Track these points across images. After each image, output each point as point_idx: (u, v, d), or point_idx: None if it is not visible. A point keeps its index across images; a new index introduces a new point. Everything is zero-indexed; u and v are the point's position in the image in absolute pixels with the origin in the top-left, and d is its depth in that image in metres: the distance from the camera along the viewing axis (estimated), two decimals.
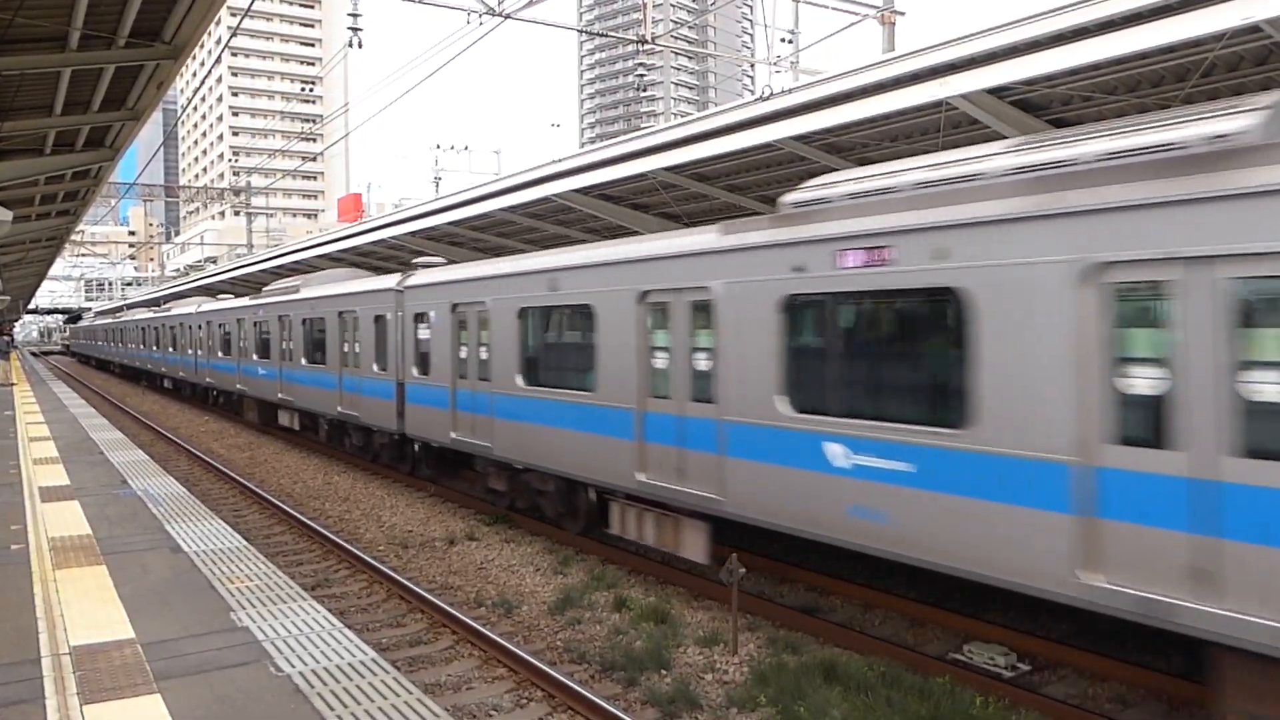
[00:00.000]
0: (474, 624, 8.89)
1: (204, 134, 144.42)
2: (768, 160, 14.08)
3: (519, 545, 12.44)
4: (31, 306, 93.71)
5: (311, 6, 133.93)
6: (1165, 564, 5.89)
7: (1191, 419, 5.79)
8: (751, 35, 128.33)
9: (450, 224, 21.16)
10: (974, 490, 6.96)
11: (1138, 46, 8.47)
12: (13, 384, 32.51)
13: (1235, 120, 5.97)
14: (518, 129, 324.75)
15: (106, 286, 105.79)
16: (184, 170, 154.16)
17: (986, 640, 8.33)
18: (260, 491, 16.21)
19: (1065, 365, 6.41)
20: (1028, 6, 9.56)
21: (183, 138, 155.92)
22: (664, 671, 7.99)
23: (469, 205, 20.26)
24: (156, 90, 12.32)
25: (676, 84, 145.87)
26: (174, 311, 36.66)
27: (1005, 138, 11.12)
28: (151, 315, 42.59)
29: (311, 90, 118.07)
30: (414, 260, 17.93)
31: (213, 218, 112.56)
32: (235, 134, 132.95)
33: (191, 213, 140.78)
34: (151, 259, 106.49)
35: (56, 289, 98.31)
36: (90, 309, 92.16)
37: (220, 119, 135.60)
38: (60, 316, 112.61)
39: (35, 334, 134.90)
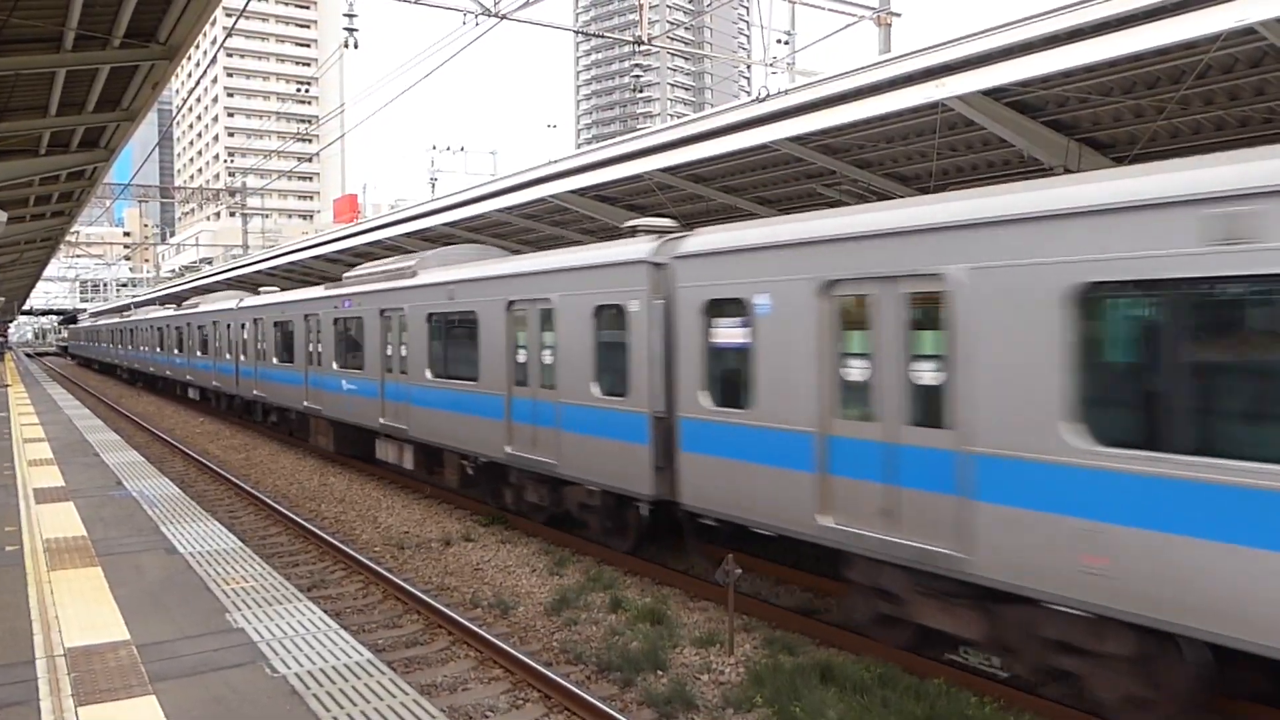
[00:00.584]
0: (470, 625, 8.89)
1: (199, 134, 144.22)
2: (764, 161, 14.09)
3: (515, 546, 12.43)
4: (26, 307, 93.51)
5: (307, 7, 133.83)
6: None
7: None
8: (748, 36, 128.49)
9: (446, 225, 21.15)
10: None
11: (1133, 48, 8.48)
12: (7, 385, 32.43)
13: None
14: (514, 130, 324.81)
15: (101, 287, 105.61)
16: (179, 171, 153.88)
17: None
18: (256, 493, 16.19)
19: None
20: (1024, 8, 9.60)
21: (178, 138, 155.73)
22: (660, 672, 7.99)
23: (465, 206, 20.25)
24: (152, 91, 12.29)
25: (673, 85, 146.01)
26: (204, 308, 30.67)
27: (1002, 138, 11.15)
28: (172, 314, 36.33)
29: (307, 91, 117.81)
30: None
31: (208, 219, 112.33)
32: (231, 134, 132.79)
33: (187, 214, 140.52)
34: (146, 260, 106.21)
35: (51, 290, 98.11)
36: (86, 309, 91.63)
37: (215, 119, 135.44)
38: (55, 317, 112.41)
39: (30, 335, 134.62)
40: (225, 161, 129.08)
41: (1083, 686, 6.77)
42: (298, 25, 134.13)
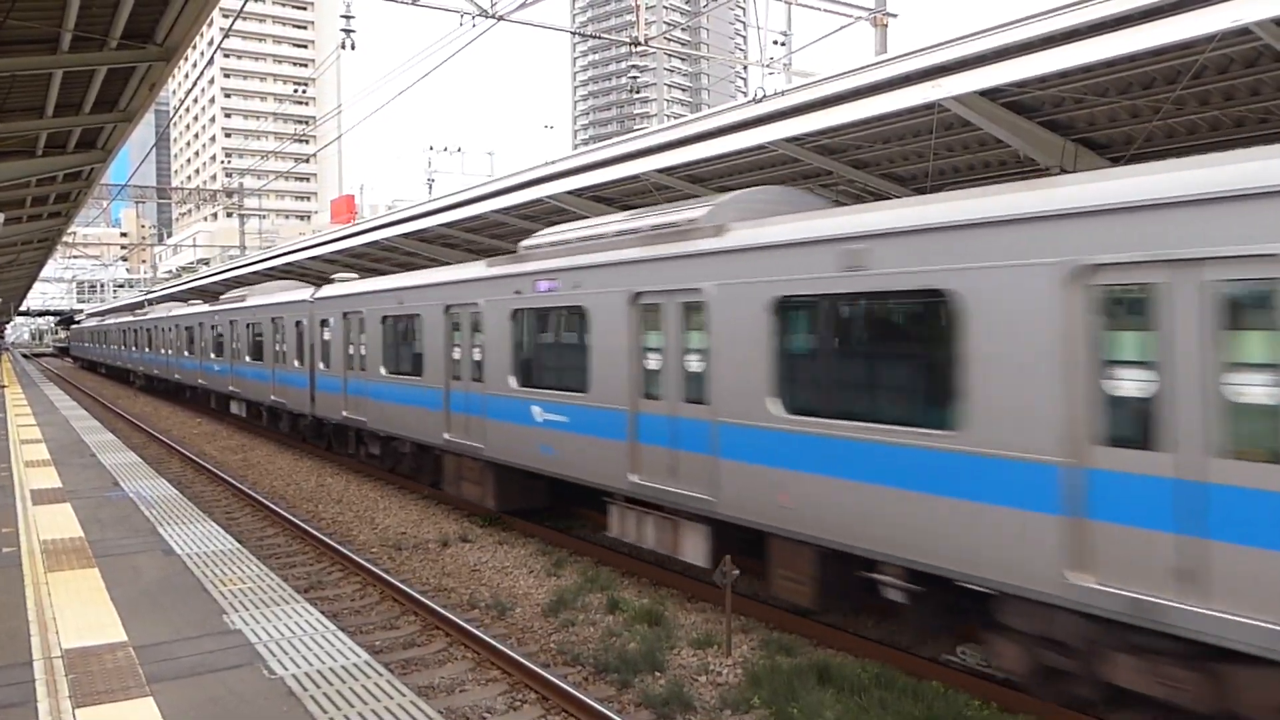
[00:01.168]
0: (468, 626, 8.89)
1: (196, 135, 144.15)
2: (761, 162, 14.10)
3: (513, 547, 12.43)
4: (23, 308, 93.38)
5: (304, 8, 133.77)
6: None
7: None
8: (744, 37, 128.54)
9: (443, 225, 21.13)
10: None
11: (1128, 49, 8.49)
12: (4, 386, 32.39)
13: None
14: (511, 131, 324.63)
15: (99, 288, 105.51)
16: (176, 172, 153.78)
17: (980, 642, 8.34)
18: (253, 494, 16.18)
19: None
20: (1019, 9, 9.61)
21: (175, 139, 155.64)
22: (658, 673, 7.99)
23: (463, 207, 20.23)
24: (149, 92, 12.27)
25: (670, 86, 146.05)
26: (257, 301, 24.64)
27: (998, 139, 11.17)
28: (207, 310, 30.33)
29: (304, 92, 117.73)
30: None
31: (205, 219, 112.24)
32: (228, 135, 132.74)
33: (184, 214, 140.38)
34: (144, 260, 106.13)
35: (48, 291, 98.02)
36: (84, 310, 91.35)
37: (213, 120, 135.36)
38: (52, 318, 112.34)
39: (27, 336, 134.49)
40: (222, 162, 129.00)
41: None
42: (295, 26, 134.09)
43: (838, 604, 8.61)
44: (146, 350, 42.04)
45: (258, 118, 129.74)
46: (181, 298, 47.95)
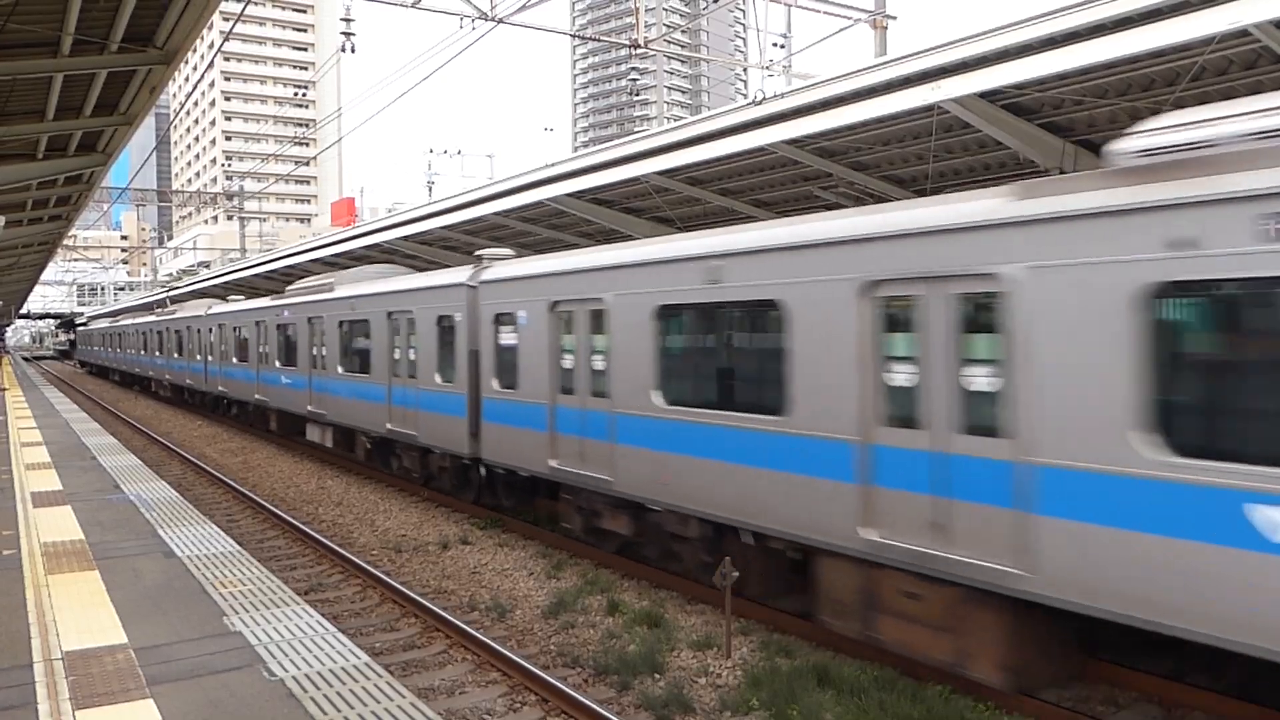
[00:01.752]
0: (467, 628, 8.89)
1: (196, 138, 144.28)
2: (761, 164, 14.12)
3: (512, 549, 12.44)
4: (24, 311, 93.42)
5: (304, 11, 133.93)
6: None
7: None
8: (744, 39, 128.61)
9: (444, 228, 21.15)
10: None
11: (1128, 50, 8.51)
12: (5, 389, 32.40)
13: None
14: (511, 133, 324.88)
15: (99, 291, 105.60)
16: (176, 175, 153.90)
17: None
18: (253, 496, 16.18)
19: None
20: (1018, 11, 9.62)
21: (175, 142, 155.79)
22: (657, 675, 7.99)
23: (463, 209, 20.26)
24: (149, 95, 12.30)
25: (669, 88, 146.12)
26: (347, 293, 18.54)
27: (998, 141, 11.18)
28: (257, 307, 24.85)
29: (304, 95, 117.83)
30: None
31: (205, 222, 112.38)
32: (228, 138, 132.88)
33: (184, 217, 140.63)
34: (144, 263, 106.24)
35: (48, 294, 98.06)
36: (84, 313, 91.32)
37: (213, 123, 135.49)
38: (52, 321, 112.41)
39: (27, 339, 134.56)
40: (223, 165, 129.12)
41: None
42: (295, 29, 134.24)
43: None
44: (175, 356, 34.85)
45: (258, 121, 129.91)
46: (215, 293, 42.24)
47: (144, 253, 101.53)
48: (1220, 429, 5.69)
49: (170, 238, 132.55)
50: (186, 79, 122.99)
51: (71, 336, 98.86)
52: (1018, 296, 6.49)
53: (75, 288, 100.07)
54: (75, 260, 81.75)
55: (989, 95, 10.24)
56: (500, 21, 13.70)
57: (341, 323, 18.69)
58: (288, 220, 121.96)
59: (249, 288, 40.49)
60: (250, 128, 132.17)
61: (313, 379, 20.39)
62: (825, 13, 18.22)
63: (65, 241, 39.69)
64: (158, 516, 10.08)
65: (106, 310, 77.77)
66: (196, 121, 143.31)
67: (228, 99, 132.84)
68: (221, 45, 14.93)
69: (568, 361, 11.58)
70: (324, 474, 19.23)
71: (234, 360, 26.82)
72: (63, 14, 9.18)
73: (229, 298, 35.26)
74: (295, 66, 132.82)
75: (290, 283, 29.54)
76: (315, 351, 20.30)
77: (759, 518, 8.64)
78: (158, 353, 38.88)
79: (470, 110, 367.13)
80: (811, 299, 8.07)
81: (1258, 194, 5.28)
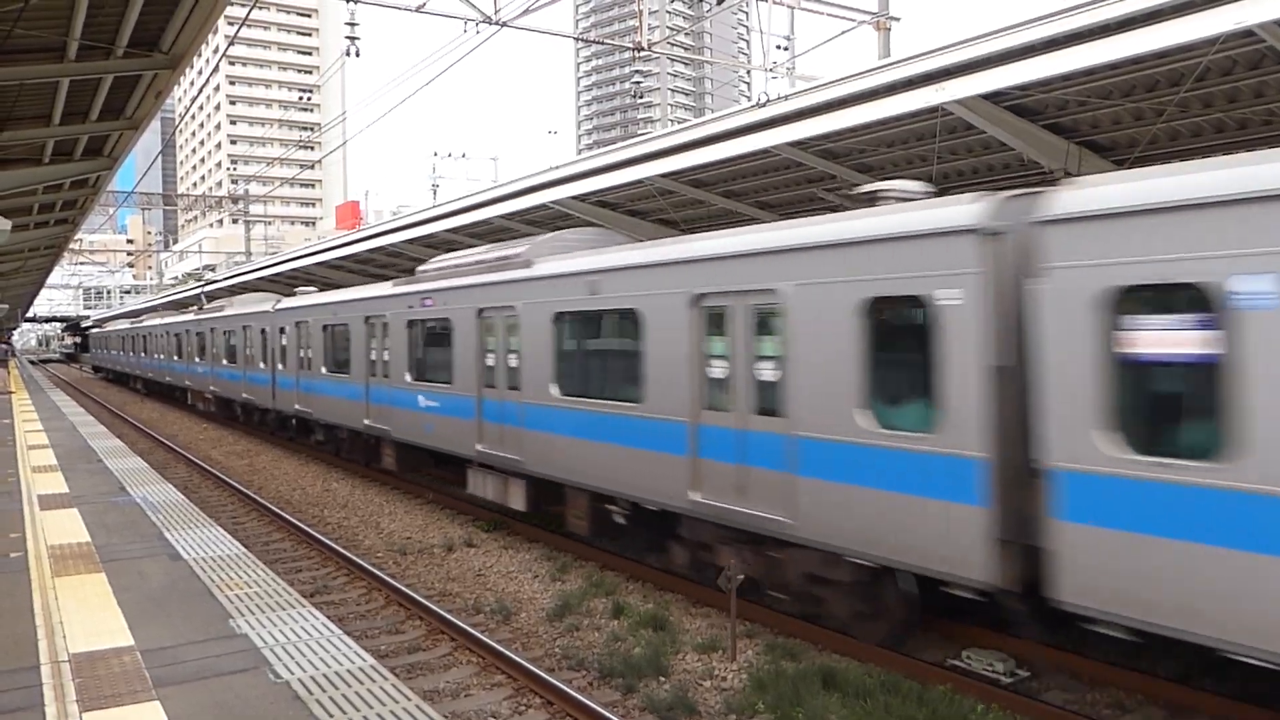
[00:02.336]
0: (472, 630, 8.89)
1: (202, 142, 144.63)
2: (765, 166, 14.11)
3: (517, 552, 12.45)
4: (30, 315, 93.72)
5: (309, 16, 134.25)
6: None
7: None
8: (748, 41, 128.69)
9: (448, 231, 21.18)
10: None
11: (1132, 51, 8.49)
12: (11, 392, 32.49)
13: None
14: (515, 136, 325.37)
15: (105, 294, 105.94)
16: (182, 178, 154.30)
17: (984, 647, 8.33)
18: (259, 499, 16.21)
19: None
20: (1021, 12, 9.61)
21: (181, 146, 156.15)
22: (662, 678, 7.99)
23: (467, 213, 20.27)
24: (155, 99, 12.34)
25: (673, 90, 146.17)
26: (540, 272, 12.29)
27: (1002, 142, 11.17)
28: (362, 298, 17.91)
29: (309, 99, 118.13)
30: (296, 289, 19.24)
31: (210, 226, 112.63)
32: (233, 142, 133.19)
33: (190, 221, 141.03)
34: (149, 267, 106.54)
35: (55, 297, 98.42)
36: (90, 315, 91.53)
37: (218, 127, 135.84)
38: (59, 324, 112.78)
39: (34, 342, 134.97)
40: (228, 169, 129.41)
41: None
42: (300, 34, 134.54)
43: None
44: (225, 364, 27.54)
45: (263, 124, 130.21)
46: (255, 287, 35.74)
47: (149, 256, 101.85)
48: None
49: (175, 241, 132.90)
50: (192, 83, 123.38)
51: (77, 339, 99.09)
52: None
53: (81, 291, 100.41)
54: (81, 264, 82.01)
55: (993, 96, 10.22)
56: (504, 25, 13.74)
57: (561, 315, 11.77)
58: (293, 224, 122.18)
59: (286, 280, 33.90)
60: (255, 131, 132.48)
61: (485, 402, 13.43)
62: (829, 15, 18.23)
63: (71, 245, 39.80)
64: (164, 519, 10.11)
65: (126, 310, 67.15)
66: (201, 125, 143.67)
67: (233, 103, 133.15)
68: (226, 49, 14.99)
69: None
70: (329, 477, 19.26)
71: (323, 370, 19.76)
72: (69, 19, 9.22)
73: (292, 291, 25.95)
74: (300, 70, 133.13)
75: (310, 282, 27.96)
76: (493, 362, 13.33)
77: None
78: (197, 358, 31.18)
79: (474, 113, 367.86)
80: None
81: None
